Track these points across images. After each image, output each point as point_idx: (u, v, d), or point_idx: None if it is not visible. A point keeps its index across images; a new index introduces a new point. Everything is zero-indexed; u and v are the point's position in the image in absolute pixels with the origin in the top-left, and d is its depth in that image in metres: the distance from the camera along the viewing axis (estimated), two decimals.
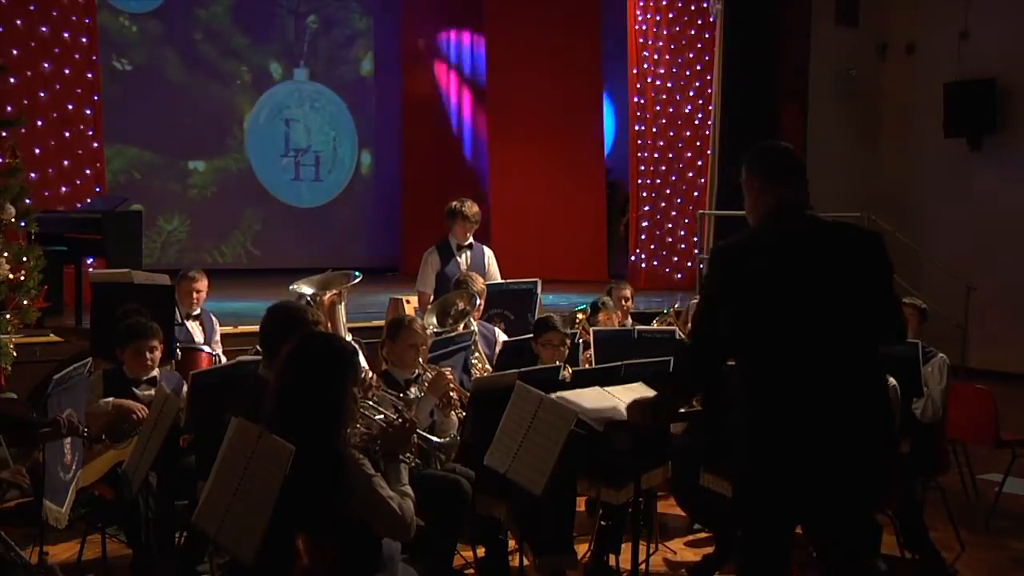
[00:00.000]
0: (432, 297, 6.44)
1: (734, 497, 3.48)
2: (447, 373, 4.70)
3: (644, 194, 11.95)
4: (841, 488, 3.09)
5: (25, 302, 6.33)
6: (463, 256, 6.65)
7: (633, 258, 12.01)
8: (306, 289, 5.36)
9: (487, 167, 12.81)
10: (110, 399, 4.67)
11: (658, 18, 11.84)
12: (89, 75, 9.19)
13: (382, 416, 3.50)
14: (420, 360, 4.77)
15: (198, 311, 6.14)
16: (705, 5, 11.82)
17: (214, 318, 6.30)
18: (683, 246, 11.97)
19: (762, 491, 3.16)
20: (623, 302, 6.72)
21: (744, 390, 3.19)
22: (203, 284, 6.16)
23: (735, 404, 3.23)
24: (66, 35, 8.99)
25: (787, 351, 3.10)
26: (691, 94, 11.97)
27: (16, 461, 4.19)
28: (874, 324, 3.16)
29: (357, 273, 5.63)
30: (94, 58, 9.29)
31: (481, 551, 4.71)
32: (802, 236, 3.19)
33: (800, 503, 3.14)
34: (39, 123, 8.75)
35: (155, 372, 4.84)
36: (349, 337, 5.26)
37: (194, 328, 6.04)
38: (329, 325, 5.31)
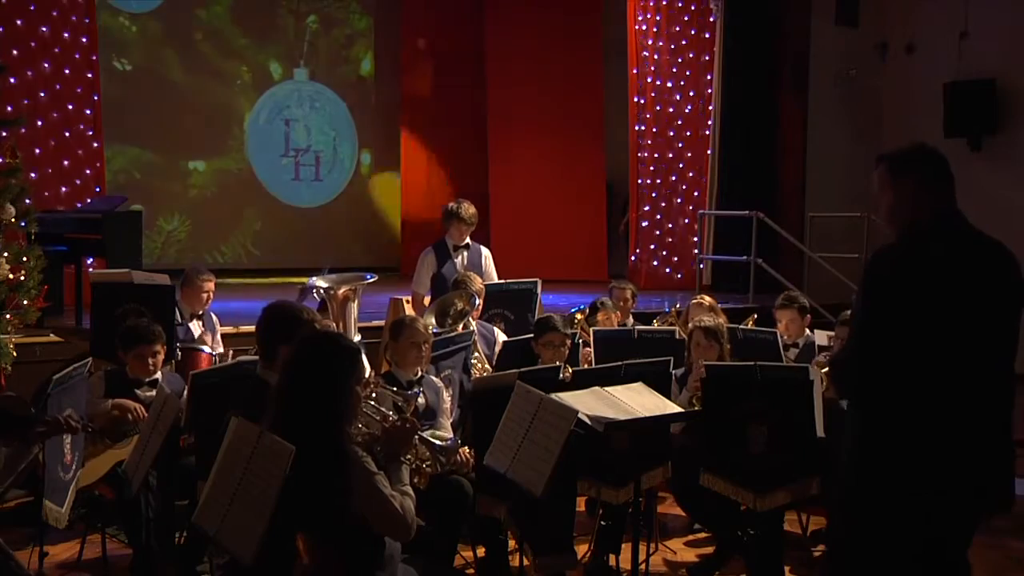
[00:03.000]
0: (429, 298, 6.44)
1: (844, 520, 3.11)
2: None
3: (644, 194, 11.95)
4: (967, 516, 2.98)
5: (25, 302, 6.31)
6: (460, 256, 6.65)
7: (633, 258, 12.01)
8: (322, 283, 5.49)
9: (487, 167, 12.80)
10: (109, 400, 4.67)
11: (658, 18, 11.84)
12: (89, 75, 9.19)
13: (383, 417, 3.50)
14: (423, 359, 4.76)
15: (201, 311, 6.13)
16: (704, 5, 11.83)
17: (215, 317, 6.29)
18: (683, 246, 11.97)
19: (889, 514, 2.94)
20: (623, 302, 6.72)
21: (875, 407, 2.96)
22: (213, 284, 6.14)
23: (854, 419, 3.03)
24: (66, 35, 8.99)
25: (939, 373, 2.89)
26: (691, 94, 11.96)
27: (12, 459, 4.19)
28: (1010, 350, 2.98)
29: (372, 275, 5.75)
30: (94, 58, 9.29)
31: (481, 551, 4.72)
32: (966, 249, 3.00)
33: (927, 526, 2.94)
34: (39, 123, 8.75)
35: (157, 374, 4.84)
36: (358, 336, 5.31)
37: (196, 327, 6.03)
38: (340, 321, 5.37)
